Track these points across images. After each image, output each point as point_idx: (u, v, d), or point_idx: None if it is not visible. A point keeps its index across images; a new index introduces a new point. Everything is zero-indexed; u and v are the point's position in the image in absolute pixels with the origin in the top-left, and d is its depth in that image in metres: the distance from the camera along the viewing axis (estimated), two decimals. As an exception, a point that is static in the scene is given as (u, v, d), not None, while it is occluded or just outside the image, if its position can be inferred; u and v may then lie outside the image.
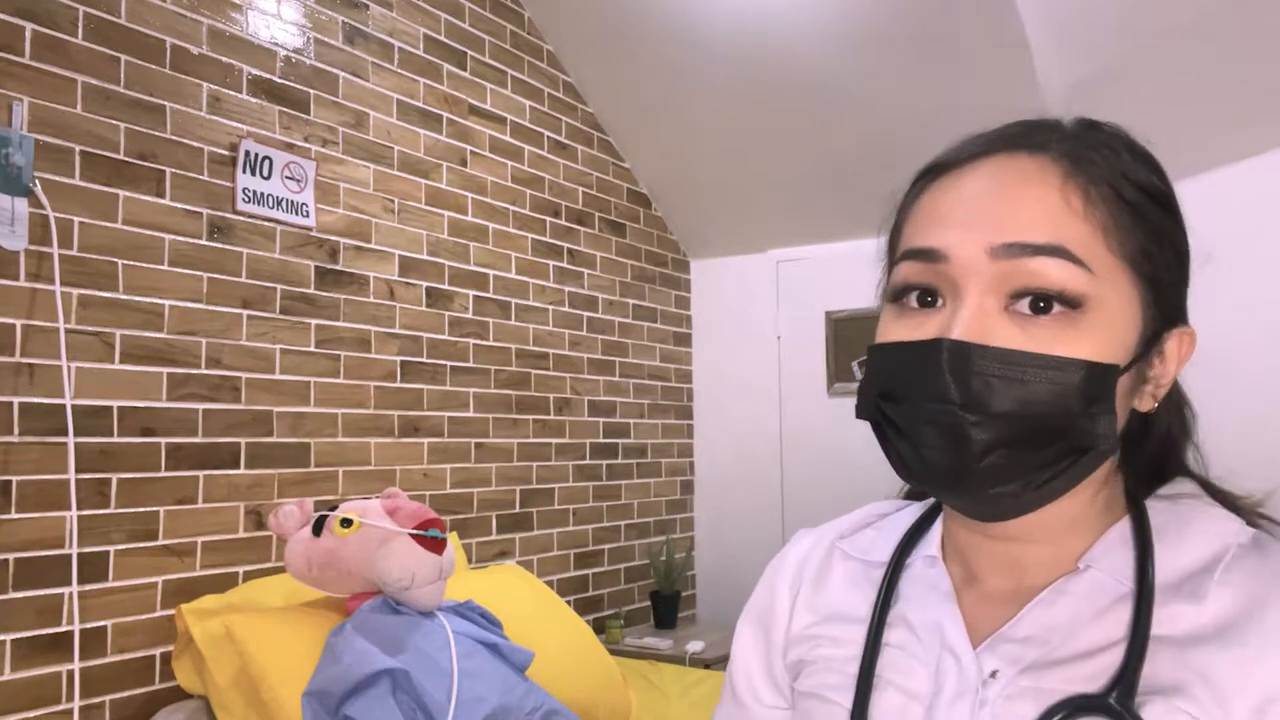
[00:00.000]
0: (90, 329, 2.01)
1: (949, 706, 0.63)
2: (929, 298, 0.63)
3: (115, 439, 2.04)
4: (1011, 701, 0.61)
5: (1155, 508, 0.65)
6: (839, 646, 0.71)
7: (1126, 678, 0.57)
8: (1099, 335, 0.59)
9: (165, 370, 2.13)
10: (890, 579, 0.72)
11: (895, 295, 0.65)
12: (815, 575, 0.78)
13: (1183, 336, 0.64)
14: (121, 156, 2.08)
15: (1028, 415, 0.57)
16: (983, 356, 0.58)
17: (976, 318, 0.59)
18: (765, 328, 3.73)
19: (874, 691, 0.67)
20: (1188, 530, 0.63)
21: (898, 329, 0.64)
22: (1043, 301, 0.58)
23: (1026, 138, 0.64)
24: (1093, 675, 0.59)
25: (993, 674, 0.63)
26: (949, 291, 0.62)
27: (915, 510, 0.78)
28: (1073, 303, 0.58)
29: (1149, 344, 0.62)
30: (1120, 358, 0.60)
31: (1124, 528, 0.64)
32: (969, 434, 0.58)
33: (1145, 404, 0.64)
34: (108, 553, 2.02)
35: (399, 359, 2.66)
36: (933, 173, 0.67)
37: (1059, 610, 0.63)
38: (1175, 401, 0.69)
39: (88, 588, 1.98)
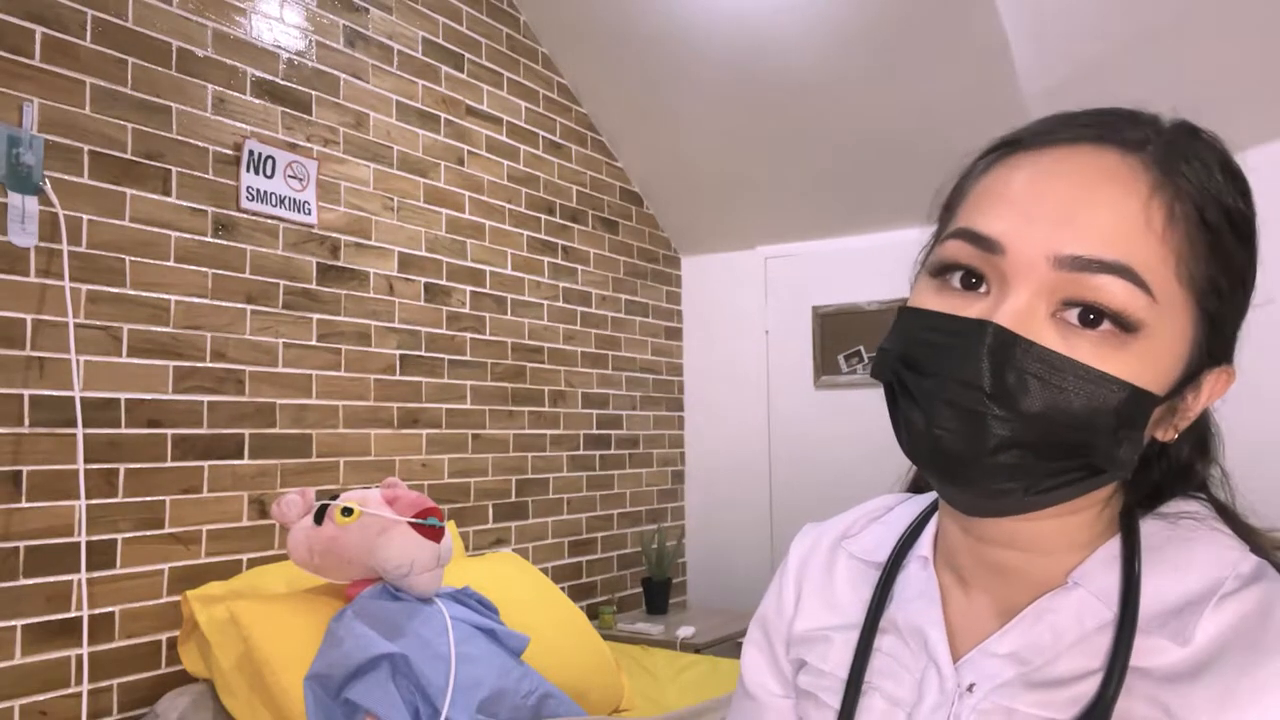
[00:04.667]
0: (98, 323, 2.03)
1: (927, 717, 0.62)
2: (974, 279, 0.58)
3: (123, 430, 2.06)
4: (983, 718, 0.59)
5: (1152, 527, 0.61)
6: (834, 649, 0.70)
7: (1099, 711, 0.55)
8: (1143, 363, 0.54)
9: (171, 363, 2.15)
10: (886, 581, 0.69)
11: (937, 270, 0.59)
12: (820, 575, 0.75)
13: (1222, 374, 0.59)
14: (129, 156, 2.10)
15: (1054, 423, 0.53)
16: (1026, 352, 0.54)
17: (1022, 315, 0.54)
18: (754, 322, 3.75)
19: (862, 696, 0.65)
20: (1183, 555, 0.59)
21: (936, 303, 0.59)
22: (1093, 314, 0.54)
23: (1119, 131, 0.57)
24: (1070, 702, 0.57)
25: (970, 687, 0.61)
26: (996, 281, 0.57)
27: (920, 503, 0.74)
28: (1127, 325, 0.54)
29: (1188, 380, 0.58)
30: (1159, 387, 0.55)
31: (1115, 545, 0.61)
32: (988, 426, 0.54)
33: (1166, 435, 0.60)
34: (115, 541, 2.04)
35: (398, 352, 2.69)
36: (1010, 146, 0.60)
37: (1043, 629, 0.60)
38: (1199, 428, 0.64)
39: (96, 575, 2.00)
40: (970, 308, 0.57)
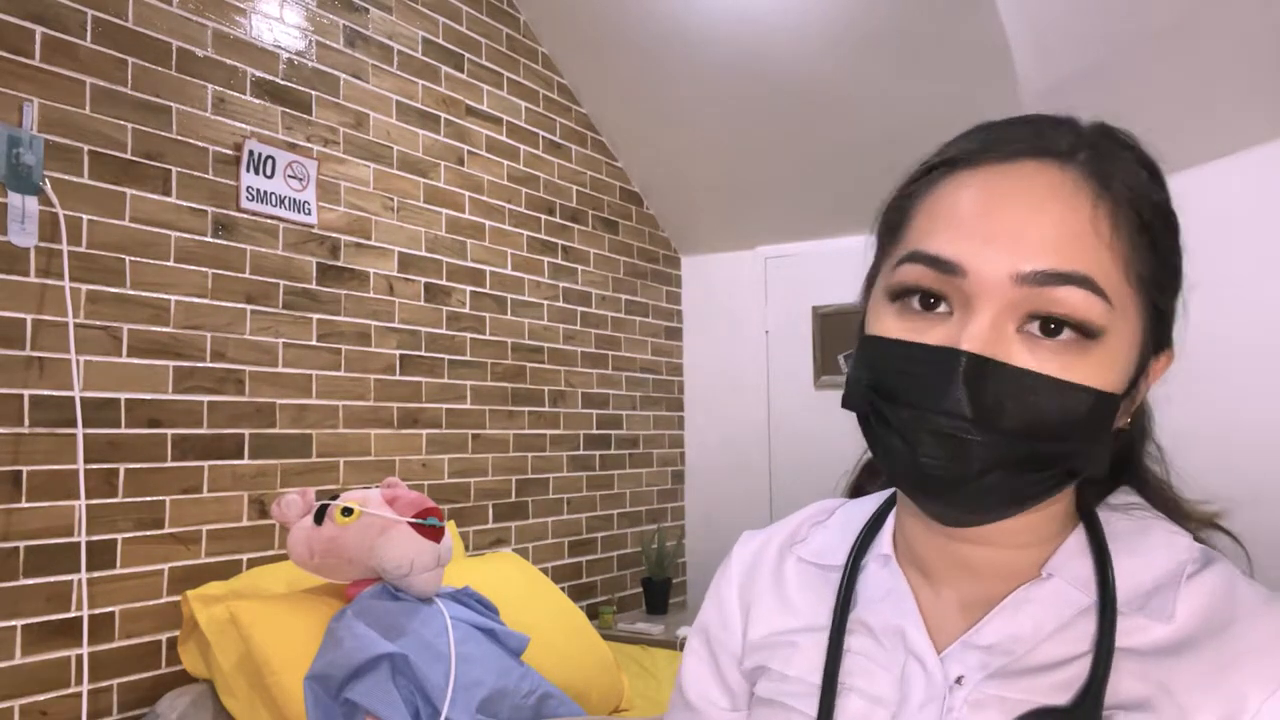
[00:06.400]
0: (98, 323, 2.03)
1: (917, 712, 0.62)
2: (932, 300, 0.59)
3: (123, 430, 2.06)
4: (977, 709, 0.60)
5: (1109, 517, 0.64)
6: (799, 653, 0.70)
7: (1093, 691, 0.57)
8: (1105, 365, 0.57)
9: (171, 363, 2.15)
10: (850, 582, 0.70)
11: (896, 295, 0.61)
12: (769, 581, 0.76)
13: (1164, 357, 0.63)
14: (129, 156, 2.10)
15: (1033, 437, 0.56)
16: (1000, 374, 0.56)
17: (989, 336, 0.56)
18: (754, 323, 3.77)
19: (837, 698, 0.66)
20: (1143, 543, 0.63)
21: (898, 328, 0.60)
22: (1054, 324, 0.56)
23: (1051, 141, 0.60)
24: (1058, 687, 0.58)
25: (958, 680, 0.62)
26: (959, 302, 0.58)
27: (865, 506, 0.75)
28: (1088, 332, 0.56)
29: (1140, 370, 0.61)
30: (1119, 386, 0.58)
31: (1081, 536, 0.63)
32: (974, 451, 0.56)
33: (1121, 422, 0.62)
34: (115, 541, 2.04)
35: (398, 352, 2.69)
36: (949, 165, 0.62)
37: (1023, 619, 0.62)
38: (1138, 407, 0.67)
39: (96, 575, 2.00)
40: (933, 330, 0.58)
